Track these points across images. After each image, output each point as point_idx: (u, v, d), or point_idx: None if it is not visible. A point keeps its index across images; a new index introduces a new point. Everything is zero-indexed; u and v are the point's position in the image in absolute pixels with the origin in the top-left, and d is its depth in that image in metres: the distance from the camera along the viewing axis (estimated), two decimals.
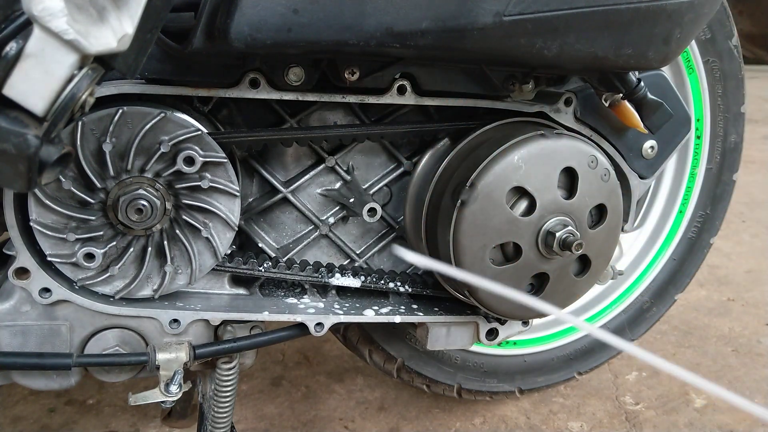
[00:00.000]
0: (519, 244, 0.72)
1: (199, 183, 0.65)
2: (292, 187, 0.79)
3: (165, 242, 0.66)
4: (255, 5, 0.50)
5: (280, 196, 0.79)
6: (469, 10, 0.53)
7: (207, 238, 0.68)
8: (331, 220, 0.82)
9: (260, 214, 0.81)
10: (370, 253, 0.86)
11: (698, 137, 1.12)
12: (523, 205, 0.72)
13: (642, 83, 0.73)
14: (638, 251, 1.21)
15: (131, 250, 0.66)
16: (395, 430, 1.22)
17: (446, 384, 1.08)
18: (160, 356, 0.69)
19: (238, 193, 0.68)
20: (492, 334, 0.86)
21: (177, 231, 0.66)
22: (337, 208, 0.83)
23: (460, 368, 1.07)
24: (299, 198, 0.81)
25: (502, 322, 0.84)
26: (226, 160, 0.66)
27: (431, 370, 1.05)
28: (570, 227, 0.71)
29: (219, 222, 0.68)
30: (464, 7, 0.53)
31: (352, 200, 0.80)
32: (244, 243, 0.82)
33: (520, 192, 0.72)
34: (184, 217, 0.66)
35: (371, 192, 0.83)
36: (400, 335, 0.98)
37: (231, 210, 0.68)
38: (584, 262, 0.77)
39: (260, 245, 0.80)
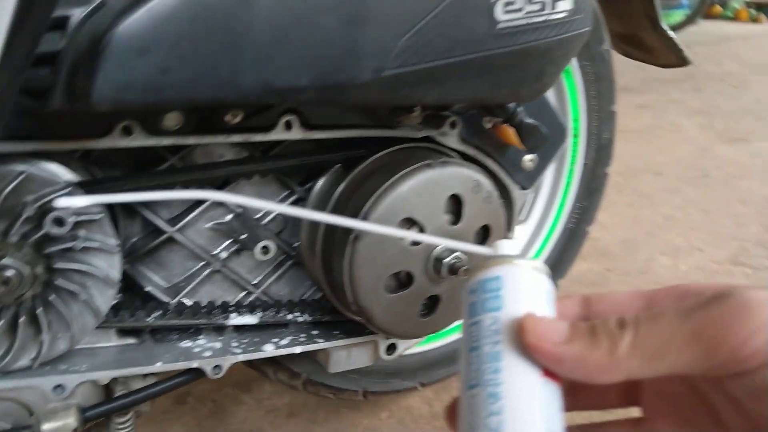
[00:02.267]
0: (411, 272, 0.74)
1: (72, 244, 0.61)
2: (178, 226, 0.76)
3: (38, 310, 0.62)
4: (120, 66, 0.47)
5: (165, 236, 0.76)
6: (349, 67, 0.53)
7: (85, 300, 0.64)
8: (224, 254, 0.80)
9: (146, 255, 0.78)
10: (267, 283, 0.84)
11: (575, 135, 1.19)
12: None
13: (519, 109, 0.76)
14: (524, 244, 1.28)
15: (0, 321, 0.61)
16: None
17: (352, 390, 1.11)
18: (46, 426, 0.65)
19: (117, 250, 0.64)
20: (391, 348, 0.88)
21: (51, 297, 0.62)
22: (230, 241, 0.81)
23: (364, 374, 1.09)
24: (187, 235, 0.78)
25: None
26: (102, 215, 0.62)
27: (336, 380, 1.06)
28: (457, 253, 0.74)
29: (98, 281, 0.64)
30: (343, 63, 0.53)
31: (244, 236, 0.78)
32: (130, 286, 0.78)
33: (410, 222, 0.73)
34: (57, 282, 0.62)
35: (264, 222, 0.81)
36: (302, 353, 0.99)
37: (111, 266, 0.65)
38: None
39: (147, 289, 0.77)
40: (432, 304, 0.79)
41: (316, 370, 1.03)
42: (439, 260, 0.74)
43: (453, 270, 0.73)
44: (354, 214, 0.72)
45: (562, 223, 1.29)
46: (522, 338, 0.31)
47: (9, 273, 0.58)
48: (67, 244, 0.61)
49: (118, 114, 0.57)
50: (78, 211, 0.60)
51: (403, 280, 0.76)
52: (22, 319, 0.61)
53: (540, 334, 0.31)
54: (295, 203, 0.83)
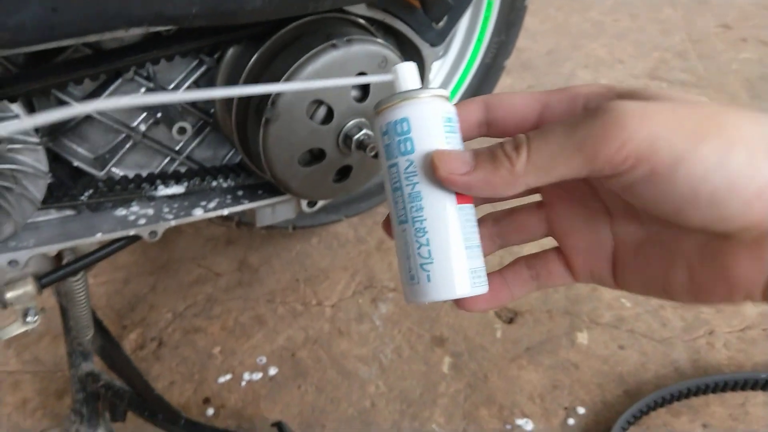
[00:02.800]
0: (322, 148, 0.81)
1: None
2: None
3: None
4: (10, 10, 0.48)
5: (80, 116, 0.79)
6: None
7: (20, 193, 0.70)
8: (143, 127, 0.85)
9: (68, 132, 0.81)
10: (190, 148, 0.91)
11: None
12: (322, 113, 0.80)
13: None
14: (441, 80, 1.34)
15: None
16: (244, 260, 1.39)
17: (281, 227, 1.23)
18: (9, 295, 0.75)
19: (39, 146, 0.68)
20: (312, 203, 0.99)
21: None
22: (147, 113, 0.84)
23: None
24: (104, 112, 0.81)
25: None
26: (16, 115, 0.65)
27: None
28: (365, 130, 0.81)
29: (28, 175, 0.70)
30: None
31: (159, 114, 0.82)
32: (58, 161, 0.83)
33: (318, 102, 0.79)
34: None
35: (179, 92, 0.85)
36: None
37: (37, 160, 0.70)
38: None
39: (75, 164, 0.82)
40: (345, 171, 0.88)
41: (246, 213, 1.14)
42: (348, 137, 0.81)
43: (361, 145, 0.80)
44: (263, 99, 0.76)
45: (479, 59, 1.34)
46: (434, 173, 0.36)
47: None
48: None
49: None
50: None
51: (316, 154, 0.83)
52: None
53: (449, 167, 0.35)
54: (205, 73, 0.86)
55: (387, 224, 0.40)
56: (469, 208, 0.38)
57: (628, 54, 2.33)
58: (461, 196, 0.38)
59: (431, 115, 0.37)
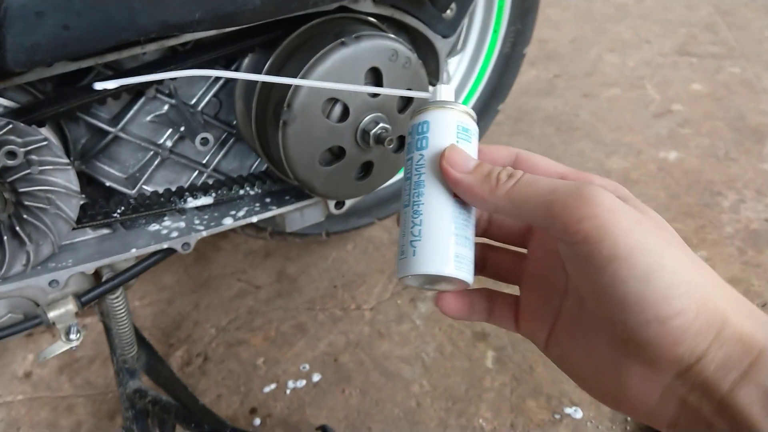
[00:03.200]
0: (341, 146, 0.82)
1: (29, 171, 0.68)
2: (120, 125, 0.82)
3: (17, 226, 0.71)
4: (23, 32, 0.50)
5: (110, 136, 0.82)
6: None
7: (55, 213, 0.72)
8: (169, 143, 0.87)
9: (99, 154, 0.84)
10: (216, 160, 0.93)
11: None
12: (338, 111, 0.80)
13: None
14: (462, 74, 1.33)
15: None
16: (282, 271, 1.40)
17: (315, 234, 1.25)
18: (51, 314, 0.78)
19: (70, 166, 0.71)
20: (339, 204, 0.99)
21: (24, 215, 0.71)
22: (172, 129, 0.87)
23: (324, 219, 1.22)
24: (131, 132, 0.84)
25: None
26: (46, 142, 0.68)
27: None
28: (382, 123, 0.81)
29: (60, 195, 0.72)
30: None
31: (183, 128, 0.84)
32: (92, 183, 0.86)
33: (334, 100, 0.79)
34: (27, 202, 0.70)
35: (200, 106, 0.87)
36: None
37: (68, 180, 0.72)
38: (401, 140, 0.89)
39: (108, 184, 0.85)
40: (367, 167, 0.88)
41: (279, 222, 1.16)
42: (366, 132, 0.81)
43: (379, 140, 0.81)
44: (279, 103, 0.77)
45: (497, 50, 1.33)
46: (440, 160, 0.41)
47: None
48: (24, 171, 0.68)
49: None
50: (25, 143, 0.66)
51: (336, 152, 0.84)
52: (5, 237, 0.71)
53: (452, 161, 0.41)
54: (223, 86, 0.88)
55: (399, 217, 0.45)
56: (466, 206, 0.43)
57: (654, 33, 2.28)
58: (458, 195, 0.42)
59: (448, 120, 0.43)
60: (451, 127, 0.43)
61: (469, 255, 0.42)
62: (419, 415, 1.08)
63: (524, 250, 0.47)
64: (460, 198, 0.42)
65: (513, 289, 0.48)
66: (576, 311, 0.41)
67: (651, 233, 0.34)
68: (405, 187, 0.44)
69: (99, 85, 0.40)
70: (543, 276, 0.44)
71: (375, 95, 0.81)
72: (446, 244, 0.41)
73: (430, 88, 0.47)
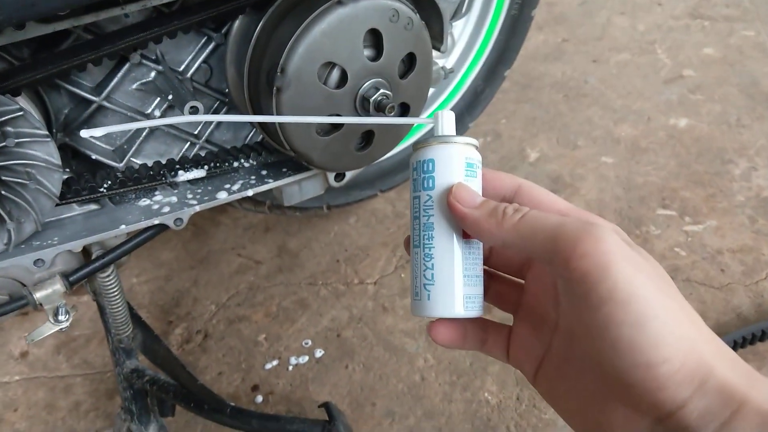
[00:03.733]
0: (340, 114, 0.77)
1: (5, 143, 0.63)
2: (104, 94, 0.77)
3: None
4: None
5: (94, 105, 0.77)
6: None
7: (36, 188, 0.68)
8: (157, 112, 0.82)
9: (82, 125, 0.80)
10: (208, 131, 0.88)
11: None
12: (335, 76, 0.75)
13: None
14: (467, 38, 1.28)
15: None
16: (283, 246, 1.37)
17: (316, 207, 1.20)
18: (38, 295, 0.74)
19: (49, 138, 0.67)
20: (339, 176, 0.95)
21: (2, 191, 0.66)
22: (160, 98, 0.82)
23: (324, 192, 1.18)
24: (116, 100, 0.79)
25: None
26: (22, 112, 0.64)
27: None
28: (382, 90, 0.76)
29: (41, 169, 0.68)
30: None
31: (171, 97, 0.79)
32: (77, 156, 0.82)
33: (330, 64, 0.74)
34: (4, 177, 0.66)
35: (189, 73, 0.82)
36: None
37: (49, 153, 0.68)
38: (404, 108, 0.84)
39: (94, 157, 0.81)
40: (367, 137, 0.83)
41: (278, 196, 1.12)
42: (365, 99, 0.76)
43: (380, 107, 0.76)
44: (272, 67, 0.72)
45: (505, 11, 1.27)
46: (447, 197, 0.42)
47: None
48: (0, 143, 0.63)
49: None
50: None
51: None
52: None
53: (459, 197, 0.42)
54: (214, 50, 0.83)
55: (408, 243, 0.47)
56: (475, 243, 0.44)
57: None
58: (467, 234, 0.43)
59: (455, 159, 0.43)
60: (457, 164, 0.43)
61: (478, 293, 0.44)
62: (424, 389, 1.05)
63: (522, 281, 0.48)
64: (469, 236, 0.43)
65: (506, 318, 0.48)
66: (565, 347, 0.42)
67: (650, 281, 0.35)
68: (414, 225, 0.45)
69: (85, 133, 0.37)
70: (536, 309, 0.45)
71: (376, 57, 0.76)
72: (458, 287, 0.43)
73: (435, 116, 0.46)
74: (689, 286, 1.17)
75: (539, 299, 0.45)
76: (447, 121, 0.46)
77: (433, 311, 0.43)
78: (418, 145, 0.45)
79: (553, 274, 0.39)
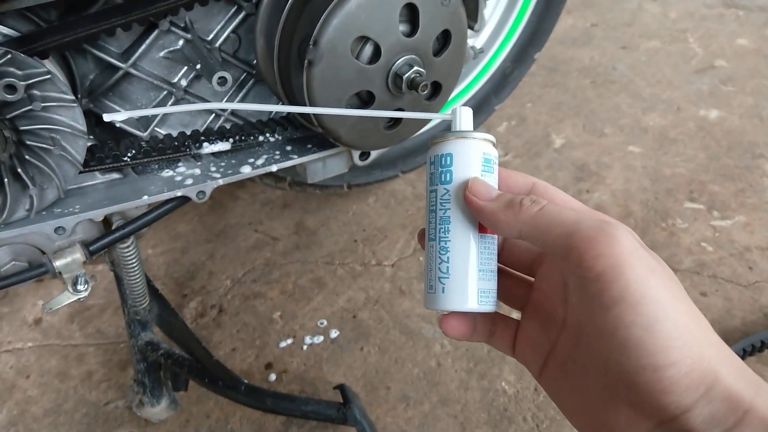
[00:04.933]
0: (371, 90, 0.74)
1: (31, 107, 0.62)
2: (131, 61, 0.75)
3: (18, 168, 0.65)
4: None
5: (121, 72, 0.75)
6: None
7: (60, 154, 0.67)
8: (183, 82, 0.80)
9: (108, 92, 0.78)
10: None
11: None
12: (368, 51, 0.73)
13: None
14: (498, 18, 1.24)
15: None
16: (300, 223, 1.35)
17: (336, 186, 1.18)
18: (58, 263, 0.73)
19: (75, 103, 0.65)
20: (364, 154, 0.93)
21: (27, 156, 0.65)
22: (187, 67, 0.80)
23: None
24: (142, 68, 0.77)
25: None
26: (49, 76, 0.62)
27: None
28: (416, 67, 0.73)
29: (65, 134, 0.66)
30: None
31: (198, 66, 0.77)
32: (101, 124, 0.80)
33: (364, 39, 0.72)
34: (29, 141, 0.64)
35: (218, 43, 0.80)
36: None
37: (74, 119, 0.66)
38: (435, 87, 0.81)
39: (118, 125, 0.79)
40: (396, 117, 0.81)
41: (299, 172, 1.10)
42: (398, 76, 0.74)
43: (413, 85, 0.73)
44: (305, 39, 0.70)
45: None
46: (464, 191, 0.43)
47: None
48: (25, 107, 0.61)
49: None
50: (26, 75, 0.60)
51: (364, 98, 0.77)
52: (6, 180, 0.65)
53: (475, 191, 0.42)
54: (243, 20, 0.80)
55: (422, 236, 0.47)
56: (490, 238, 0.44)
57: None
58: (483, 228, 0.43)
59: (472, 154, 0.43)
60: (474, 159, 0.43)
61: (492, 287, 0.44)
62: (440, 375, 1.04)
63: (531, 279, 0.48)
64: (485, 230, 0.43)
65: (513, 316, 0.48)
66: (571, 346, 0.42)
67: (663, 285, 0.35)
68: (430, 218, 0.45)
69: (107, 117, 0.34)
70: (544, 306, 0.45)
71: (411, 33, 0.73)
72: (472, 281, 0.43)
73: (452, 111, 0.47)
74: (715, 283, 1.14)
75: (548, 296, 0.45)
76: (465, 117, 0.46)
77: (448, 305, 0.43)
78: (435, 140, 0.45)
79: (566, 270, 0.39)
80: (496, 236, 0.45)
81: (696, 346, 0.34)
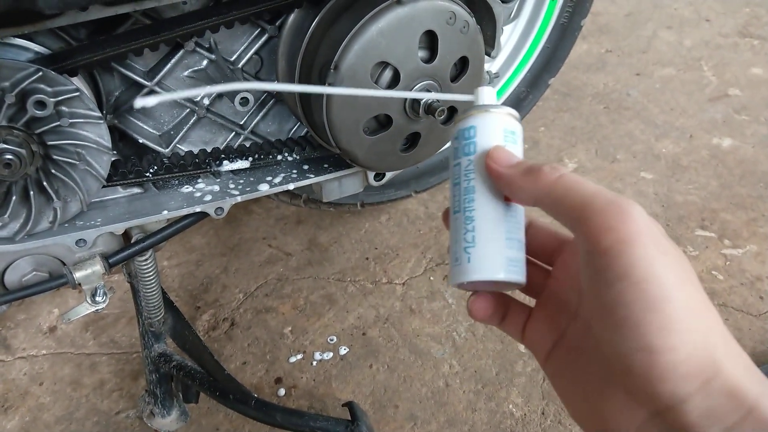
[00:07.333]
0: (389, 114, 0.76)
1: (59, 123, 0.64)
2: (156, 79, 0.77)
3: (44, 181, 0.67)
4: None
5: (146, 90, 0.78)
6: None
7: (84, 168, 0.69)
8: (206, 101, 0.82)
9: (132, 109, 0.80)
10: (254, 123, 0.88)
11: None
12: (387, 76, 0.74)
13: None
14: (514, 44, 1.26)
15: (13, 196, 0.67)
16: (313, 240, 1.36)
17: (350, 204, 1.20)
18: (78, 275, 0.75)
19: (102, 120, 0.67)
20: (380, 175, 0.94)
21: (52, 170, 0.67)
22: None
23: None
24: (167, 86, 0.79)
25: None
26: (78, 93, 0.64)
27: None
28: (433, 92, 0.75)
29: (91, 150, 0.68)
30: None
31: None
32: (124, 139, 0.82)
33: (384, 64, 0.74)
34: (55, 156, 0.66)
35: (240, 64, 0.82)
36: None
37: (100, 135, 0.68)
38: (452, 111, 0.83)
39: (141, 141, 0.81)
40: (413, 138, 0.82)
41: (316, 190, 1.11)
42: (416, 101, 0.75)
43: (430, 110, 0.75)
44: (326, 63, 0.72)
45: (553, 20, 1.24)
46: (486, 159, 0.42)
47: (8, 156, 0.62)
48: (54, 122, 0.64)
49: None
50: (55, 92, 0.62)
51: (382, 121, 0.78)
52: (32, 192, 0.67)
53: (496, 158, 0.42)
54: (266, 42, 0.82)
55: (446, 216, 0.46)
56: (515, 207, 0.43)
57: (715, 11, 2.15)
58: (508, 198, 0.43)
59: (495, 124, 0.43)
60: (498, 130, 0.43)
61: (521, 257, 0.43)
62: (447, 395, 1.04)
63: (550, 268, 0.48)
64: (509, 199, 0.43)
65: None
66: (580, 336, 0.41)
67: (671, 266, 0.33)
68: (454, 192, 0.44)
69: (139, 102, 0.36)
70: (559, 295, 0.45)
71: (430, 59, 0.75)
72: (500, 248, 0.42)
73: (475, 92, 0.47)
74: (726, 312, 1.14)
75: (564, 286, 0.45)
76: (488, 94, 0.46)
77: (476, 273, 0.41)
78: (459, 117, 0.45)
79: (577, 242, 0.38)
80: (522, 207, 0.44)
81: (699, 334, 0.31)
